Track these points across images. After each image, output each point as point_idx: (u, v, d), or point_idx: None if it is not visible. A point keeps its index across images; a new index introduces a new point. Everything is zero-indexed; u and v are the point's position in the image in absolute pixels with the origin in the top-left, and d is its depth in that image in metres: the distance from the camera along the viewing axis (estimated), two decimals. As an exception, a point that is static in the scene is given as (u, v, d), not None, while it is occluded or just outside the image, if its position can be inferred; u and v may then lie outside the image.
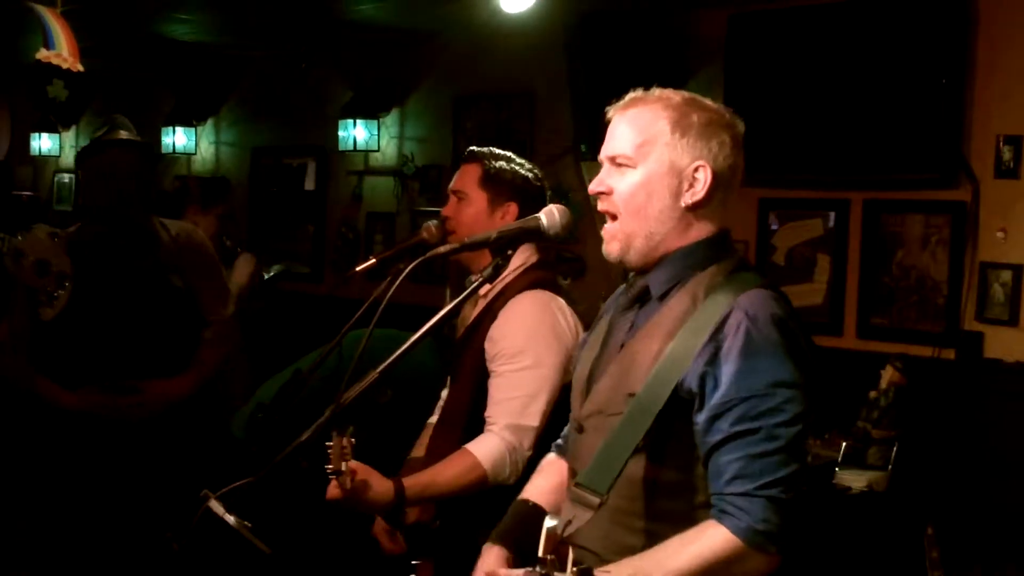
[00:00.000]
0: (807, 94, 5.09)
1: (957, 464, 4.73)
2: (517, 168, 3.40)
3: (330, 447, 2.67)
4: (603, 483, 2.12)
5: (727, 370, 2.12)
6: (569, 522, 2.12)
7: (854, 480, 4.52)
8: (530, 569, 1.92)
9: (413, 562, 3.28)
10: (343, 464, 2.68)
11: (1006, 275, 4.74)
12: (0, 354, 4.02)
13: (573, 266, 3.52)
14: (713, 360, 2.14)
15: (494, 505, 2.89)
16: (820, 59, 5.05)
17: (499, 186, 3.37)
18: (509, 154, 3.44)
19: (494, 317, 3.20)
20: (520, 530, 2.46)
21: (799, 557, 2.15)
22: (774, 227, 5.56)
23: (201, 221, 5.59)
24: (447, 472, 3.09)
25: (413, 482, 3.03)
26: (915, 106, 4.76)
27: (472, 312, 3.35)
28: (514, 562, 2.39)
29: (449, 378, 3.47)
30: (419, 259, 2.42)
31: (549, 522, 2.24)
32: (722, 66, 5.50)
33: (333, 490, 2.80)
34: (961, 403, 4.81)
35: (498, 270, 2.39)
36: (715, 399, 2.12)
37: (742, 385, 2.10)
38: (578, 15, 5.96)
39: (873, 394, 4.72)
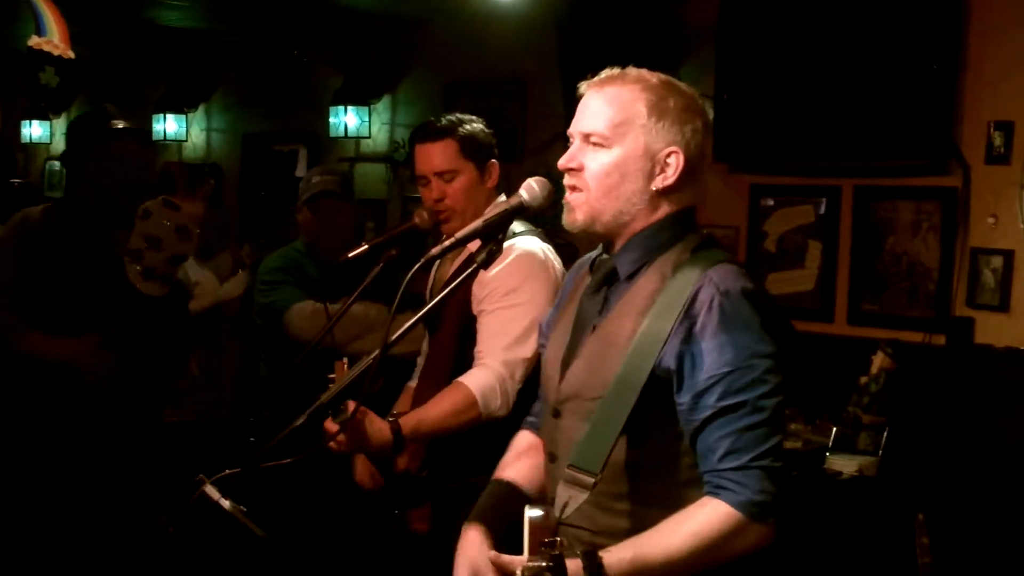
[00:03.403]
0: (798, 80, 5.09)
1: (947, 449, 4.75)
2: (477, 125, 3.44)
3: (332, 380, 2.67)
4: (595, 463, 2.13)
5: (706, 347, 2.14)
6: (566, 504, 2.12)
7: (844, 465, 4.54)
8: (532, 557, 1.93)
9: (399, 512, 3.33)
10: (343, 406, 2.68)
11: (997, 261, 4.75)
12: None
13: (565, 251, 3.53)
14: (688, 337, 2.16)
15: (480, 453, 2.92)
16: (812, 45, 5.05)
17: (479, 150, 3.39)
18: (459, 115, 3.46)
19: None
20: (499, 510, 2.46)
21: (791, 539, 2.17)
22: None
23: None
24: (439, 406, 3.12)
25: (406, 419, 3.05)
26: (906, 92, 4.77)
27: (450, 268, 3.37)
28: (495, 542, 2.37)
29: (428, 334, 3.49)
30: (416, 266, 2.43)
31: (531, 512, 2.24)
32: (713, 52, 5.50)
33: (331, 425, 2.78)
34: (951, 389, 4.82)
35: (492, 256, 2.40)
36: (697, 377, 2.14)
37: (722, 360, 2.13)
38: (569, 1, 5.96)
39: (864, 380, 4.73)
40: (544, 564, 1.90)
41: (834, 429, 4.66)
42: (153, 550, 3.50)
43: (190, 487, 2.39)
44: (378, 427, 2.96)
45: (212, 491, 2.36)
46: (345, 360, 2.72)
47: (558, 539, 1.93)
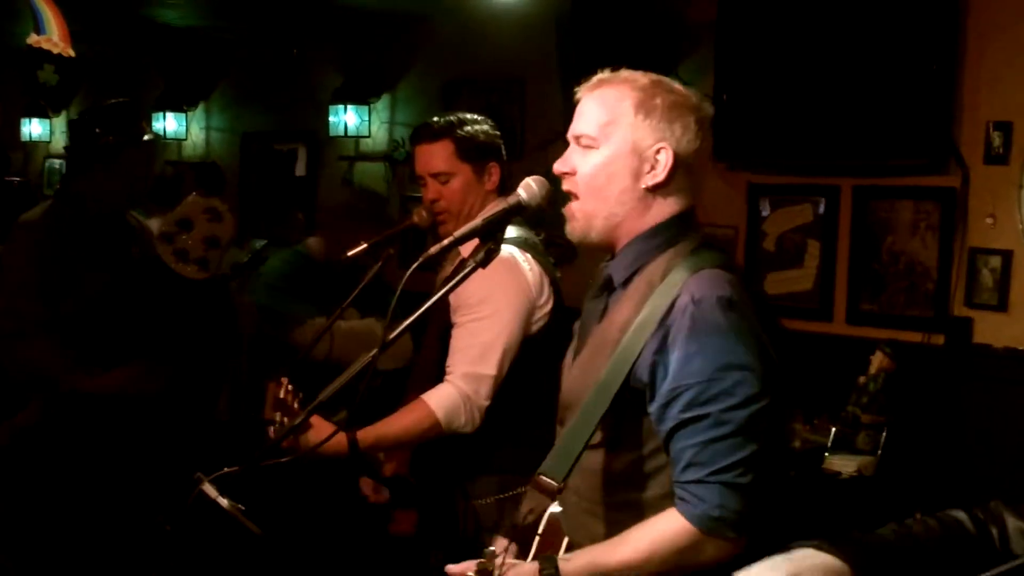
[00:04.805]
0: (798, 79, 5.10)
1: (946, 449, 4.75)
2: (480, 126, 3.38)
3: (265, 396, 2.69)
4: (560, 471, 2.11)
5: (674, 357, 2.10)
6: (531, 510, 2.12)
7: (843, 465, 4.54)
8: (481, 560, 1.93)
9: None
10: (276, 415, 2.68)
11: (995, 261, 4.75)
12: (32, 339, 3.83)
13: (563, 252, 3.51)
14: (662, 348, 2.12)
15: (467, 458, 2.93)
16: (811, 44, 5.05)
17: (477, 152, 3.34)
18: (461, 115, 3.40)
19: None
20: None
21: (790, 539, 2.16)
22: (764, 213, 5.55)
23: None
24: (400, 421, 3.11)
25: (366, 433, 3.04)
26: (905, 92, 4.77)
27: (448, 270, 3.37)
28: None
29: (415, 342, 3.50)
30: (415, 265, 2.41)
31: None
32: (713, 51, 5.49)
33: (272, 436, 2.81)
34: (950, 388, 4.82)
35: (491, 255, 2.39)
36: (664, 387, 2.11)
37: (689, 371, 2.09)
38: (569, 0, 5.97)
39: (862, 379, 4.73)
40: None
41: (833, 429, 4.66)
42: (151, 548, 3.49)
43: (188, 485, 2.39)
44: (335, 439, 2.96)
45: (210, 489, 2.36)
46: (283, 379, 2.72)
47: (491, 548, 1.92)
